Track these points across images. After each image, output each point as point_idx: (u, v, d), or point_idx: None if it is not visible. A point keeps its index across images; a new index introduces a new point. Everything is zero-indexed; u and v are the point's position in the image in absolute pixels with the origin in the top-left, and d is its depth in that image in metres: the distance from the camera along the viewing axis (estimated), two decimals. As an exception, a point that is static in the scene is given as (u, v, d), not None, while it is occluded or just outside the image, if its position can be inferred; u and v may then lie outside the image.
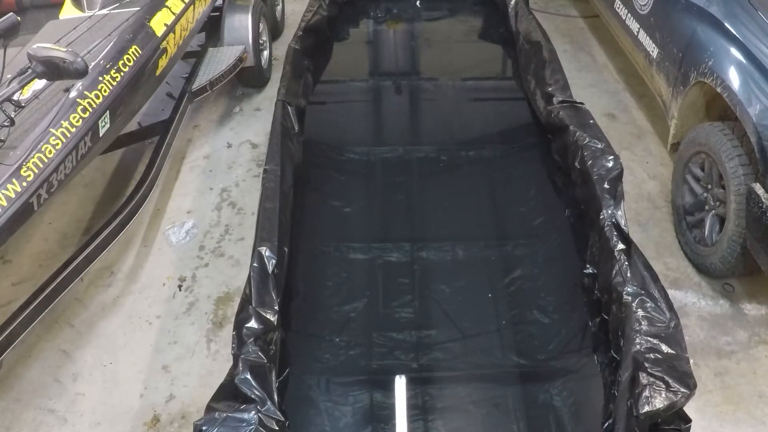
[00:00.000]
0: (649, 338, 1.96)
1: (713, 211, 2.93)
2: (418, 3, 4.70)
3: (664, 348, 1.93)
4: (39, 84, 2.61)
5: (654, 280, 2.15)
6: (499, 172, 3.17)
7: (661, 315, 2.03)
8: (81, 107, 2.66)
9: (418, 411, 2.15)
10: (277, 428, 1.81)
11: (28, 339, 2.61)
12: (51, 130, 2.49)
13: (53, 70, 2.33)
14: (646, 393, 1.80)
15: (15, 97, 2.37)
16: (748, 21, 2.83)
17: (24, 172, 2.32)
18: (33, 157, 2.37)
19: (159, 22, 3.34)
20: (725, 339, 2.77)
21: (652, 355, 1.91)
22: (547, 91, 3.21)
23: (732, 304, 2.92)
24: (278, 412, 1.83)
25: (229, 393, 1.88)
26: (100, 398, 2.58)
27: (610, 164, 2.59)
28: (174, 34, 3.47)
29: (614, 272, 2.20)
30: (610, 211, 2.40)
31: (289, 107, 3.10)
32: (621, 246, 2.27)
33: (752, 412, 2.50)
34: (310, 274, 2.62)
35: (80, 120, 2.63)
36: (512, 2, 4.09)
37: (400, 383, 2.23)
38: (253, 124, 4.20)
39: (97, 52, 2.91)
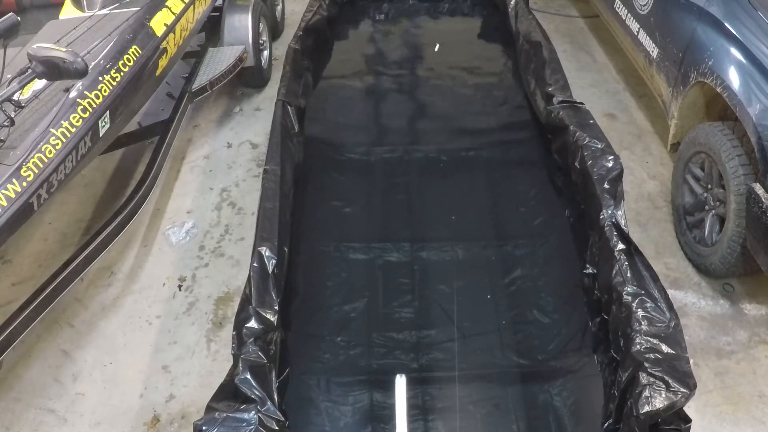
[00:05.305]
0: (649, 338, 1.96)
1: (713, 211, 2.93)
2: (410, 1, 4.70)
3: (664, 348, 1.93)
4: (39, 84, 2.61)
5: (654, 280, 2.16)
6: (499, 172, 3.17)
7: (661, 315, 2.03)
8: (81, 107, 2.66)
9: (418, 411, 2.15)
10: (277, 428, 1.81)
11: (28, 339, 2.61)
12: (51, 130, 2.49)
13: (53, 70, 2.32)
14: (646, 393, 1.80)
15: (15, 97, 2.36)
16: (748, 21, 2.83)
17: (24, 172, 2.32)
18: (33, 157, 2.37)
19: (159, 22, 3.34)
20: (725, 339, 2.77)
21: (652, 355, 1.91)
22: (547, 91, 3.21)
23: (732, 304, 2.92)
24: (278, 412, 1.83)
25: (229, 393, 1.88)
26: (100, 398, 2.58)
27: (610, 164, 2.59)
28: (174, 34, 3.47)
29: (614, 272, 2.21)
30: (610, 211, 2.40)
31: (289, 107, 3.10)
32: (621, 246, 2.27)
33: (752, 412, 2.50)
34: (310, 274, 2.62)
35: (80, 120, 2.63)
36: (512, 2, 4.09)
37: (400, 383, 2.23)
38: (253, 124, 4.20)
39: (97, 52, 2.91)
